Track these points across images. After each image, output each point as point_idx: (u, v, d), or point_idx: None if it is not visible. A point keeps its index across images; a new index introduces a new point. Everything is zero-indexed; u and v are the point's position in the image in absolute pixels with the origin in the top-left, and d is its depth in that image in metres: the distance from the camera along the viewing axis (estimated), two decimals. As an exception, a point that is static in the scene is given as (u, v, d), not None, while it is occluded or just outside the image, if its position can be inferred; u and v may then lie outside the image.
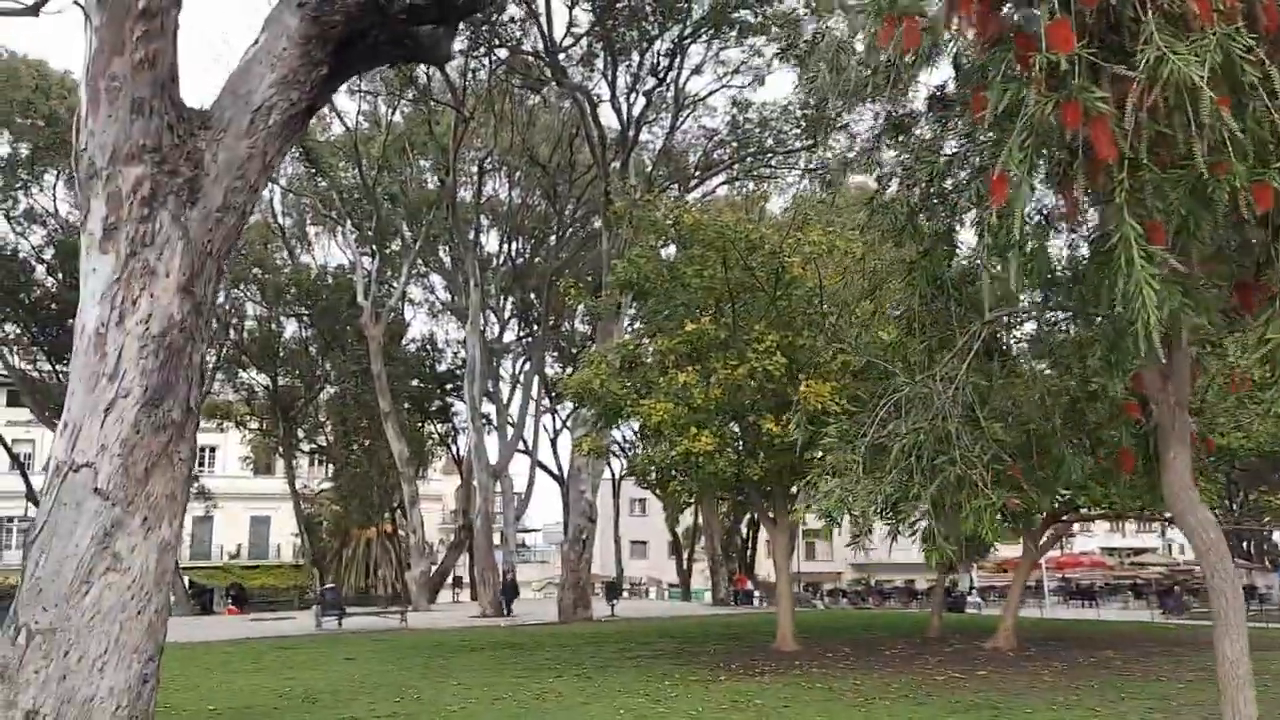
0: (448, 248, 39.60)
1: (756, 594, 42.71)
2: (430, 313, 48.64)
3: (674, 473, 17.60)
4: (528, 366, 45.31)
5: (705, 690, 13.49)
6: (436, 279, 45.97)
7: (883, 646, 19.54)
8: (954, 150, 5.68)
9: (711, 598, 44.04)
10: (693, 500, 26.36)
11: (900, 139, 6.01)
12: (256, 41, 10.17)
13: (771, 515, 19.92)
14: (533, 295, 43.46)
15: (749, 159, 32.21)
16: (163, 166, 9.24)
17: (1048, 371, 7.47)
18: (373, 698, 12.98)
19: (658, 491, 22.05)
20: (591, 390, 17.94)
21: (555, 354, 45.53)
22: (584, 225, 38.41)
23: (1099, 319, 5.16)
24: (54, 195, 36.92)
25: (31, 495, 40.09)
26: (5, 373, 37.80)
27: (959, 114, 5.65)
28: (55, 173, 35.86)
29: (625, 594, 45.63)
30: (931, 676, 14.82)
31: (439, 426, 49.98)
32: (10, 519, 54.09)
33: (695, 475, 17.16)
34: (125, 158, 9.13)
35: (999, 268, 4.08)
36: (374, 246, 37.17)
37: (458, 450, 51.38)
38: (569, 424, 52.23)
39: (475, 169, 34.60)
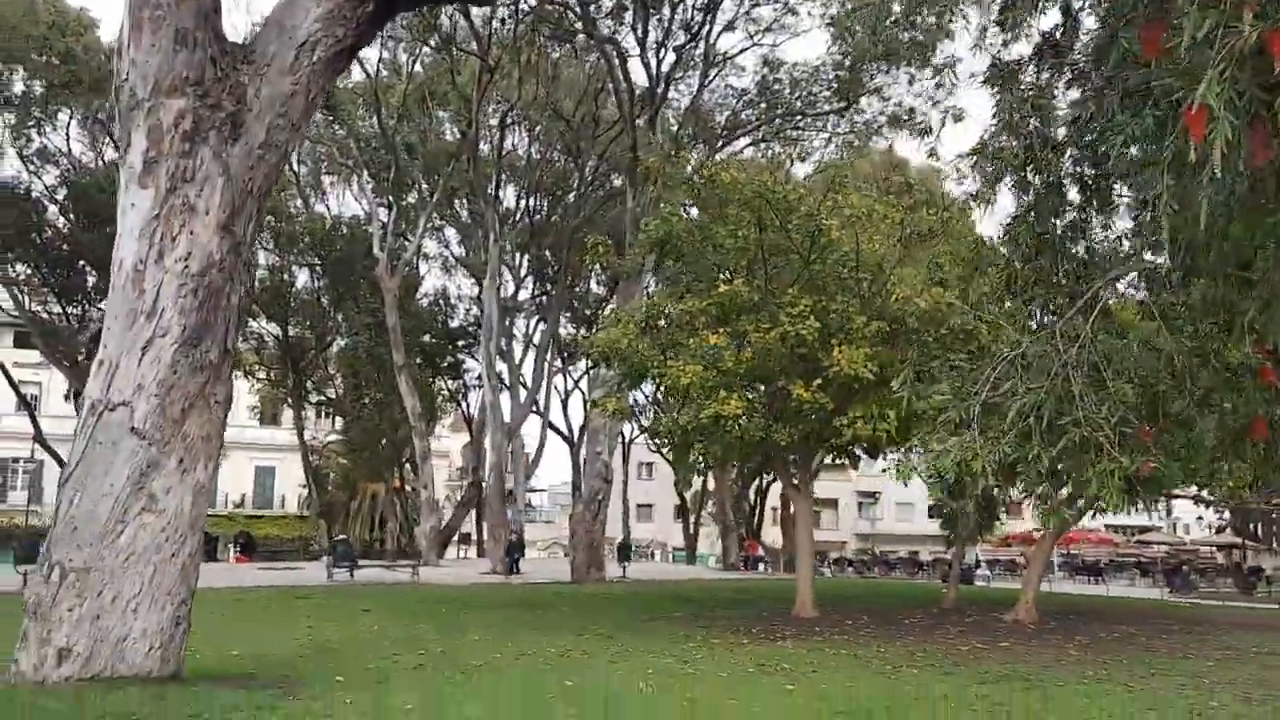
0: (465, 201, 39.21)
1: (765, 560, 42.80)
2: (444, 267, 48.40)
3: (700, 436, 17.38)
4: (542, 326, 45.11)
5: (730, 653, 13.40)
6: (451, 233, 45.65)
7: (900, 616, 19.47)
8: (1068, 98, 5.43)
9: (722, 563, 44.13)
10: (716, 465, 26.20)
11: (1004, 86, 5.72)
12: (303, -27, 9.82)
13: (795, 482, 19.77)
14: (548, 253, 43.14)
15: (777, 120, 31.71)
16: (205, 100, 8.99)
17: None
18: (395, 649, 12.88)
19: (678, 455, 21.83)
20: (618, 350, 17.70)
21: (568, 314, 45.25)
22: (604, 183, 37.98)
23: (1249, 279, 4.92)
24: (67, 134, 36.61)
25: (40, 437, 40.06)
26: (16, 314, 37.61)
27: (1065, 61, 5.36)
28: (69, 111, 35.47)
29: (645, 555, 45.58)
30: (955, 647, 14.72)
31: (449, 383, 49.82)
32: (16, 460, 54.26)
33: (722, 439, 16.97)
34: (167, 90, 8.88)
35: (1176, 209, 3.82)
36: (390, 198, 36.77)
37: (467, 407, 51.30)
38: (580, 385, 52.26)
39: (496, 122, 34.12)
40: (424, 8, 24.39)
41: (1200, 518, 57.83)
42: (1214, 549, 49.35)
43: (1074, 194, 5.82)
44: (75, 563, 8.77)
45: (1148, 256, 6.00)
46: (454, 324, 47.64)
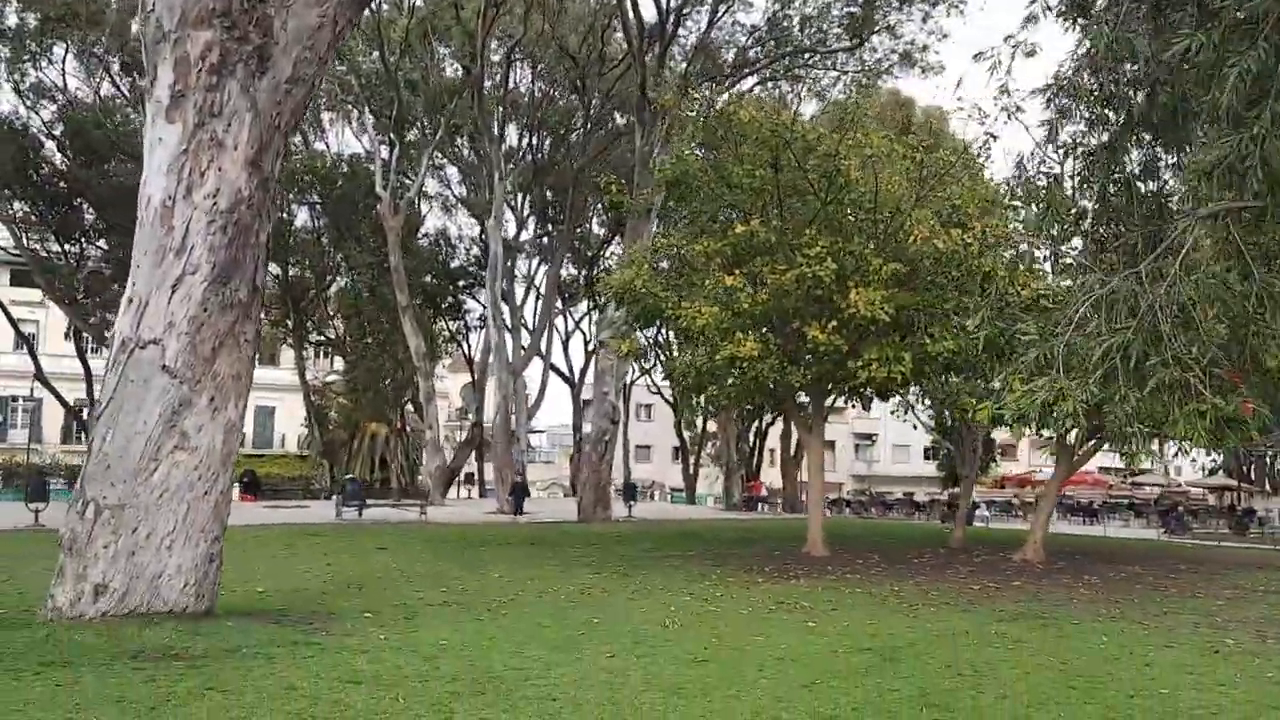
0: (468, 139, 38.74)
1: (768, 500, 43.17)
2: (444, 207, 47.98)
3: (714, 377, 17.40)
4: (544, 267, 44.91)
5: (747, 591, 13.55)
6: (452, 172, 45.20)
7: (909, 555, 19.68)
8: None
9: (723, 502, 44.49)
10: (729, 406, 26.25)
11: (1076, 20, 5.57)
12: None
13: (808, 424, 19.85)
14: (548, 193, 42.76)
15: (786, 59, 31.25)
16: (232, 32, 8.82)
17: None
18: (417, 586, 13.02)
19: (690, 397, 21.86)
20: (633, 290, 17.64)
21: (570, 255, 45.02)
22: (608, 122, 37.54)
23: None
24: (63, 69, 35.94)
25: (40, 374, 39.97)
26: (16, 252, 37.29)
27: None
28: (65, 45, 34.79)
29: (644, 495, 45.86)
30: (967, 586, 14.90)
31: (450, 324, 49.72)
32: (15, 398, 54.29)
33: (738, 381, 16.99)
34: (194, 21, 8.71)
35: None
36: (392, 135, 36.30)
37: (468, 348, 51.26)
38: (580, 326, 52.20)
39: (499, 58, 33.59)
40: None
41: (1194, 460, 58.45)
42: (1205, 491, 49.84)
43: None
44: (109, 500, 8.80)
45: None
46: (454, 264, 47.38)
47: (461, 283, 47.46)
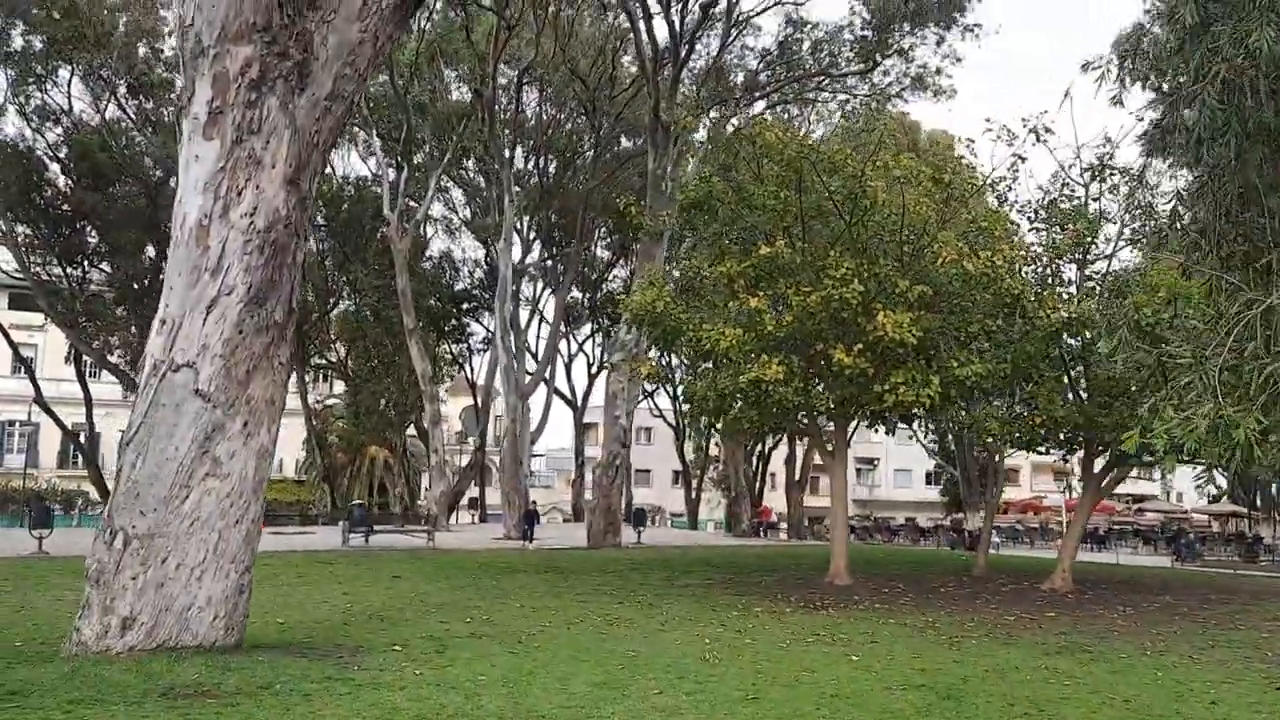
0: (475, 162, 38.59)
1: (776, 526, 42.78)
2: (448, 230, 47.79)
3: (736, 400, 17.13)
4: (547, 290, 44.73)
5: (778, 622, 13.23)
6: (457, 194, 45.03)
7: (933, 583, 19.35)
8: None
9: (725, 527, 44.06)
10: (751, 429, 25.92)
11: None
12: (370, -86, 9.36)
13: (830, 448, 19.56)
14: (553, 216, 42.60)
15: (797, 82, 31.17)
16: (272, 47, 8.58)
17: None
18: (440, 616, 12.67)
19: (709, 420, 21.57)
20: (653, 312, 17.39)
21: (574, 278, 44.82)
22: (614, 145, 37.45)
23: None
24: (69, 92, 35.70)
25: (39, 398, 39.50)
26: (18, 274, 36.94)
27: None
28: (71, 68, 34.59)
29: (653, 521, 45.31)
30: (1001, 616, 14.58)
31: (452, 347, 49.41)
32: (12, 422, 53.79)
33: (761, 404, 16.72)
34: (234, 36, 8.46)
35: None
36: (400, 158, 36.14)
37: (471, 371, 50.93)
38: (584, 348, 51.93)
39: (509, 81, 33.48)
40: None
41: (1198, 485, 58.12)
42: (1210, 517, 49.53)
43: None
44: (139, 529, 8.47)
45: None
46: (458, 287, 47.15)
47: (465, 306, 47.21)
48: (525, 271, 44.07)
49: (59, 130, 35.63)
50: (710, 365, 18.69)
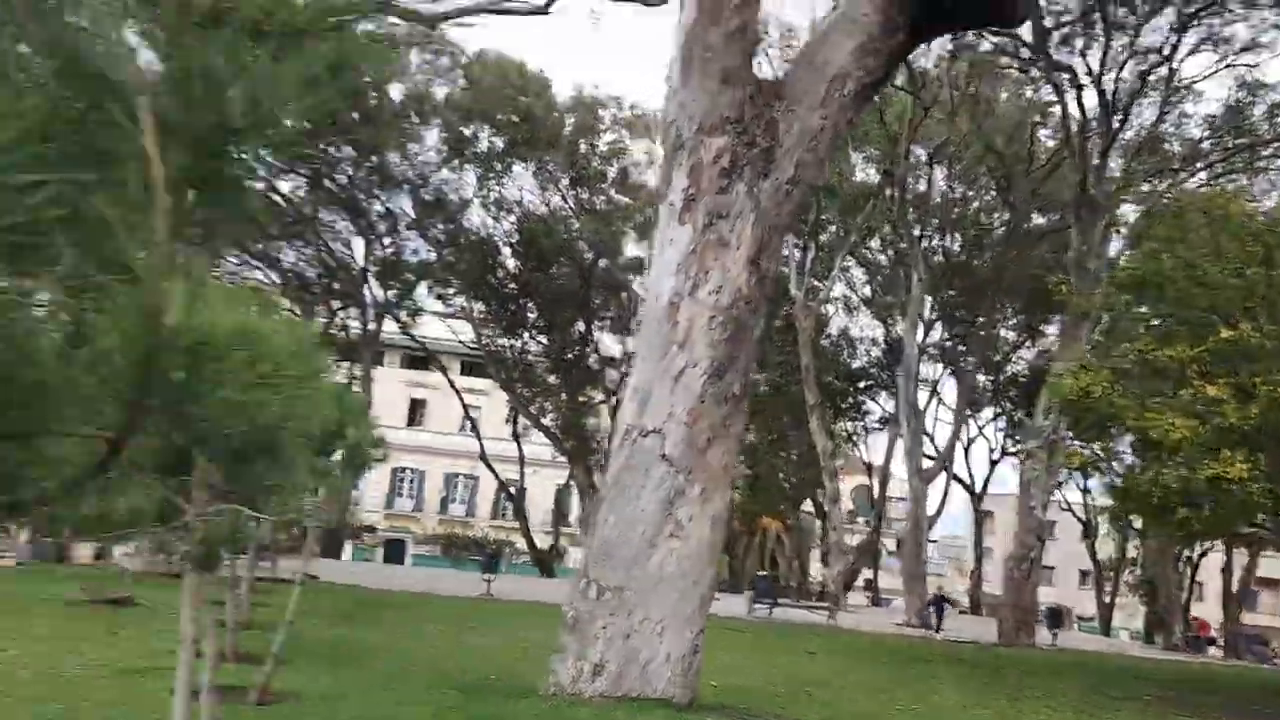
0: (880, 241, 38.65)
1: (1215, 643, 37.75)
2: (846, 308, 48.01)
3: (1188, 498, 15.42)
4: (947, 370, 43.41)
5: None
6: (857, 273, 45.23)
7: None
8: None
9: (1150, 638, 39.61)
10: (1201, 533, 23.35)
11: None
12: (835, 7, 9.81)
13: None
14: (951, 294, 41.41)
15: (1249, 149, 28.01)
16: (742, 137, 9.16)
17: None
18: (867, 697, 12.45)
19: (1150, 520, 19.63)
20: (1088, 398, 16.22)
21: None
22: (1026, 220, 35.81)
23: None
24: (519, 186, 40.60)
25: (483, 454, 44.35)
26: (474, 345, 42.18)
27: None
28: (523, 164, 39.31)
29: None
30: None
31: (848, 425, 49.25)
32: (457, 475, 60.93)
33: (1219, 505, 14.94)
34: (709, 129, 9.14)
35: None
36: (806, 238, 37.07)
37: (865, 451, 50.43)
38: (984, 432, 49.53)
39: (920, 159, 33.29)
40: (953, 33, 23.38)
41: None
42: None
43: None
44: (610, 582, 9.17)
45: None
46: (855, 365, 47.08)
47: (862, 384, 46.98)
48: (925, 350, 43.10)
49: (511, 219, 40.51)
50: (1144, 459, 17.02)
